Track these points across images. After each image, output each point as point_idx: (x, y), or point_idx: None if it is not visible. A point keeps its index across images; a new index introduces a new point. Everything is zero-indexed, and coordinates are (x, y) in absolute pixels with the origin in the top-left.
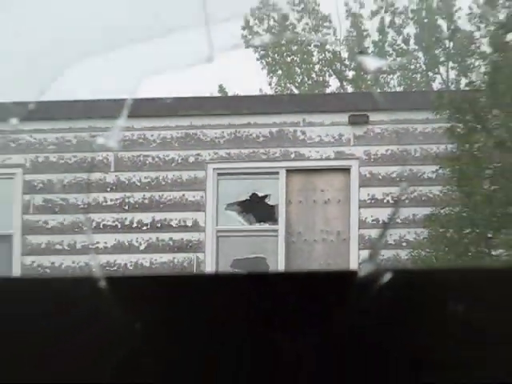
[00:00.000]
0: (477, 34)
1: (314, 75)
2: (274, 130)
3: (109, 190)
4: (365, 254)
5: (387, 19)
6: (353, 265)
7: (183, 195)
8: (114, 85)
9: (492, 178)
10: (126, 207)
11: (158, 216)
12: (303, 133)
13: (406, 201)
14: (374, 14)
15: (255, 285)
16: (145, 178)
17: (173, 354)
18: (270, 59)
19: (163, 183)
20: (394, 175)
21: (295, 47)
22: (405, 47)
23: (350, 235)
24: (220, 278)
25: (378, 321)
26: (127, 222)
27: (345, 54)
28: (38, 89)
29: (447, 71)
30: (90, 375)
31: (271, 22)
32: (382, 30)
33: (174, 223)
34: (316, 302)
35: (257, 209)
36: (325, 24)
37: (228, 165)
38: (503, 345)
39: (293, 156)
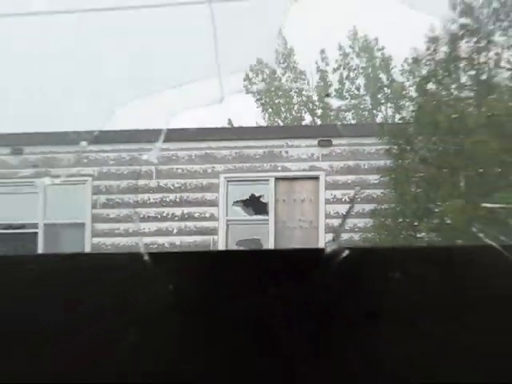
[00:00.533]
0: (407, 84)
1: (293, 112)
2: (266, 150)
3: (151, 192)
4: (329, 236)
5: (345, 73)
6: (321, 244)
7: (203, 196)
8: (153, 118)
9: (417, 184)
10: (164, 204)
11: (186, 210)
12: (286, 152)
13: (358, 199)
14: (335, 70)
15: (252, 258)
16: (176, 183)
17: (199, 310)
18: (263, 101)
19: (189, 187)
20: (350, 182)
21: (281, 93)
22: (357, 93)
23: (318, 224)
24: (230, 253)
25: (337, 279)
26: (164, 214)
27: (315, 98)
28: (101, 120)
29: (386, 110)
30: (137, 335)
31: (264, 75)
32: (341, 81)
33: (196, 215)
34: (296, 269)
35: (254, 205)
36: (301, 77)
37: (234, 174)
38: (426, 299)
39: (279, 169)
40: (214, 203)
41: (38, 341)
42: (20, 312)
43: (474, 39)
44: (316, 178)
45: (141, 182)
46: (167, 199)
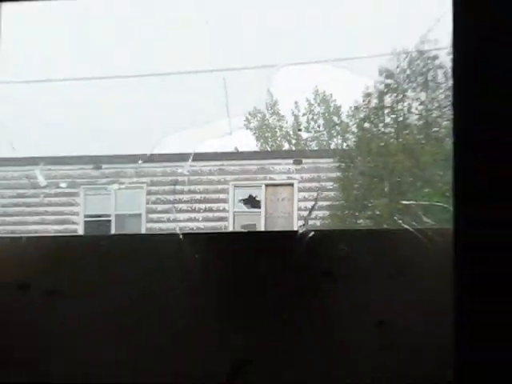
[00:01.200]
0: (350, 123)
1: (277, 142)
2: (259, 166)
3: (184, 193)
4: (301, 223)
5: (310, 117)
6: (295, 228)
7: (218, 196)
8: (185, 145)
9: (357, 189)
10: (192, 201)
11: (207, 205)
12: (272, 168)
13: (319, 198)
14: (304, 114)
15: (250, 237)
16: (201, 188)
17: (224, 279)
18: (257, 135)
19: (209, 190)
20: (313, 187)
21: (269, 129)
22: (318, 129)
23: (293, 215)
24: (235, 233)
25: (305, 250)
26: (193, 208)
27: (291, 132)
28: (151, 146)
29: (337, 140)
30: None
31: (258, 118)
32: (308, 121)
33: (214, 208)
34: (278, 243)
35: (251, 202)
36: (282, 119)
37: (238, 182)
38: (364, 264)
39: (268, 178)
40: (225, 201)
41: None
42: (99, 277)
43: (395, 94)
44: (292, 185)
45: (178, 187)
46: (195, 198)
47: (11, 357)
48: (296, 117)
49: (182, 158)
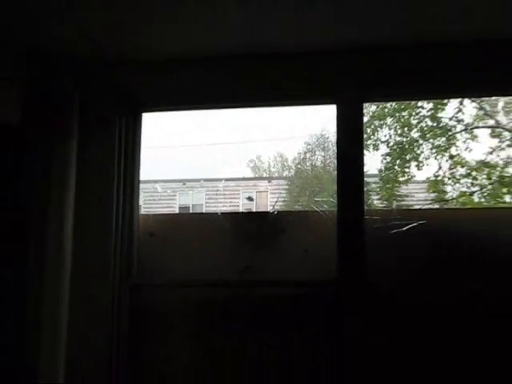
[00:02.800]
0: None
1: (261, 173)
2: (253, 183)
3: (222, 197)
4: (270, 208)
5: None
6: (268, 210)
7: (236, 196)
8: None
9: (295, 194)
10: (225, 198)
11: (232, 200)
12: (259, 183)
13: (278, 198)
14: (271, 165)
15: (251, 215)
16: (229, 193)
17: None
18: (253, 169)
19: (232, 195)
20: (277, 193)
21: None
22: (277, 174)
23: (268, 205)
24: (243, 213)
25: (273, 222)
26: (226, 202)
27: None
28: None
29: (288, 173)
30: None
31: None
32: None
33: (234, 202)
34: (260, 217)
35: (250, 199)
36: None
37: (244, 190)
38: (297, 228)
39: (257, 188)
40: (238, 198)
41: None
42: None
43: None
44: (267, 191)
45: (218, 194)
46: (226, 197)
47: None
48: (268, 167)
49: (217, 180)
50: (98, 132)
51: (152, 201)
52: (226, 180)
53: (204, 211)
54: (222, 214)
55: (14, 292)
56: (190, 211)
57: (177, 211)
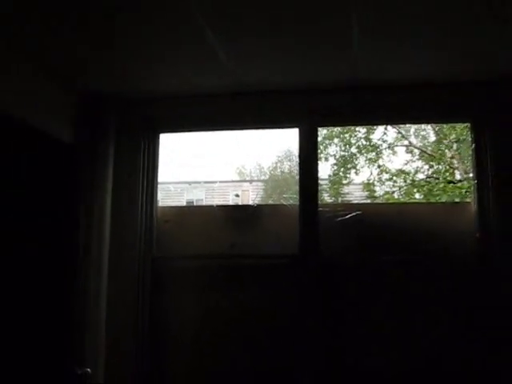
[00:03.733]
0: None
1: (244, 176)
2: (238, 184)
3: (216, 195)
4: (252, 202)
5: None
6: (250, 203)
7: (226, 195)
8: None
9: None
10: (218, 196)
11: (223, 198)
12: (243, 185)
13: (258, 196)
14: (252, 178)
15: (235, 207)
16: (221, 192)
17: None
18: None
19: (224, 192)
20: (257, 192)
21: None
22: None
23: (249, 200)
24: (231, 205)
25: (255, 212)
26: (222, 199)
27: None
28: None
29: (264, 177)
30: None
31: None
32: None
33: (226, 199)
34: (243, 209)
35: (236, 196)
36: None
37: (232, 190)
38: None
39: (241, 188)
40: (228, 196)
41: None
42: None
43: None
44: (248, 191)
45: (214, 192)
46: (221, 196)
47: None
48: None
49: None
50: (128, 148)
51: (167, 197)
52: (220, 182)
53: (204, 204)
54: (217, 206)
55: (66, 267)
56: (194, 204)
57: (184, 204)
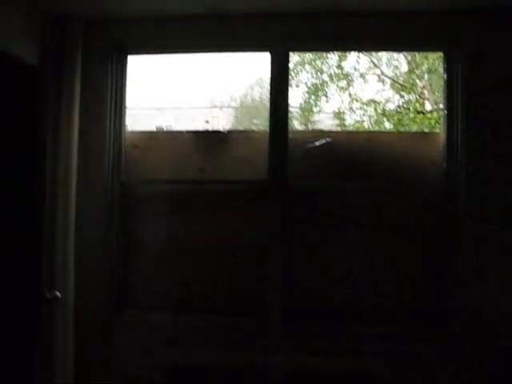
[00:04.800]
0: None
1: None
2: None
3: (187, 122)
4: None
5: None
6: None
7: (198, 123)
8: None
9: None
10: (191, 126)
11: (194, 126)
12: (212, 112)
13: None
14: (223, 105)
15: (205, 134)
16: (190, 125)
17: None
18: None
19: (196, 120)
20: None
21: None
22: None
23: (220, 127)
24: (201, 131)
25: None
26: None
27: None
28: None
29: None
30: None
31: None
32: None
33: (196, 126)
34: (214, 137)
35: (207, 122)
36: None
37: (203, 118)
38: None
39: (211, 115)
40: (198, 123)
41: None
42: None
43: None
44: (218, 117)
45: (184, 118)
46: (191, 122)
47: None
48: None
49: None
50: (95, 71)
51: (136, 123)
52: (190, 108)
53: (173, 130)
54: (187, 132)
55: (33, 193)
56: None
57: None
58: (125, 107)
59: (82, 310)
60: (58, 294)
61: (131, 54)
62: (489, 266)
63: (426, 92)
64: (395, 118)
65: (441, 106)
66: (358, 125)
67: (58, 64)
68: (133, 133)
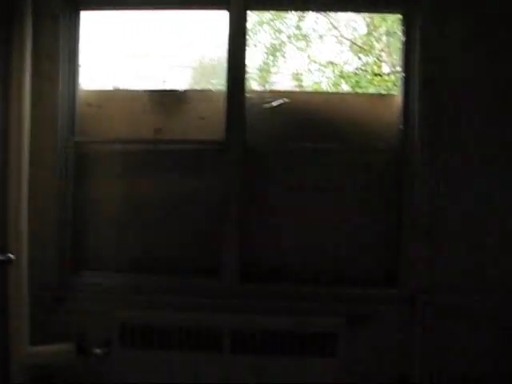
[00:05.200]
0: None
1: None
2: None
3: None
4: None
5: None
6: None
7: (156, 83)
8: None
9: None
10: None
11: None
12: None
13: None
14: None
15: (162, 93)
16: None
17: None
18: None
19: (153, 80)
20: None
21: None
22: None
23: (177, 86)
24: (158, 90)
25: None
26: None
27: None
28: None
29: None
30: None
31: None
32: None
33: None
34: (170, 97)
35: (164, 82)
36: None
37: (160, 77)
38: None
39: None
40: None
41: None
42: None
43: None
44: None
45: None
46: (147, 82)
47: None
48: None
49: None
50: (47, 27)
51: (91, 81)
52: (148, 67)
53: (129, 88)
54: (144, 91)
55: None
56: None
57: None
58: (78, 65)
59: (35, 273)
60: (12, 255)
61: (84, 9)
62: (439, 226)
63: (383, 54)
64: (353, 79)
65: (398, 68)
66: (316, 86)
67: (6, 22)
68: (87, 91)
